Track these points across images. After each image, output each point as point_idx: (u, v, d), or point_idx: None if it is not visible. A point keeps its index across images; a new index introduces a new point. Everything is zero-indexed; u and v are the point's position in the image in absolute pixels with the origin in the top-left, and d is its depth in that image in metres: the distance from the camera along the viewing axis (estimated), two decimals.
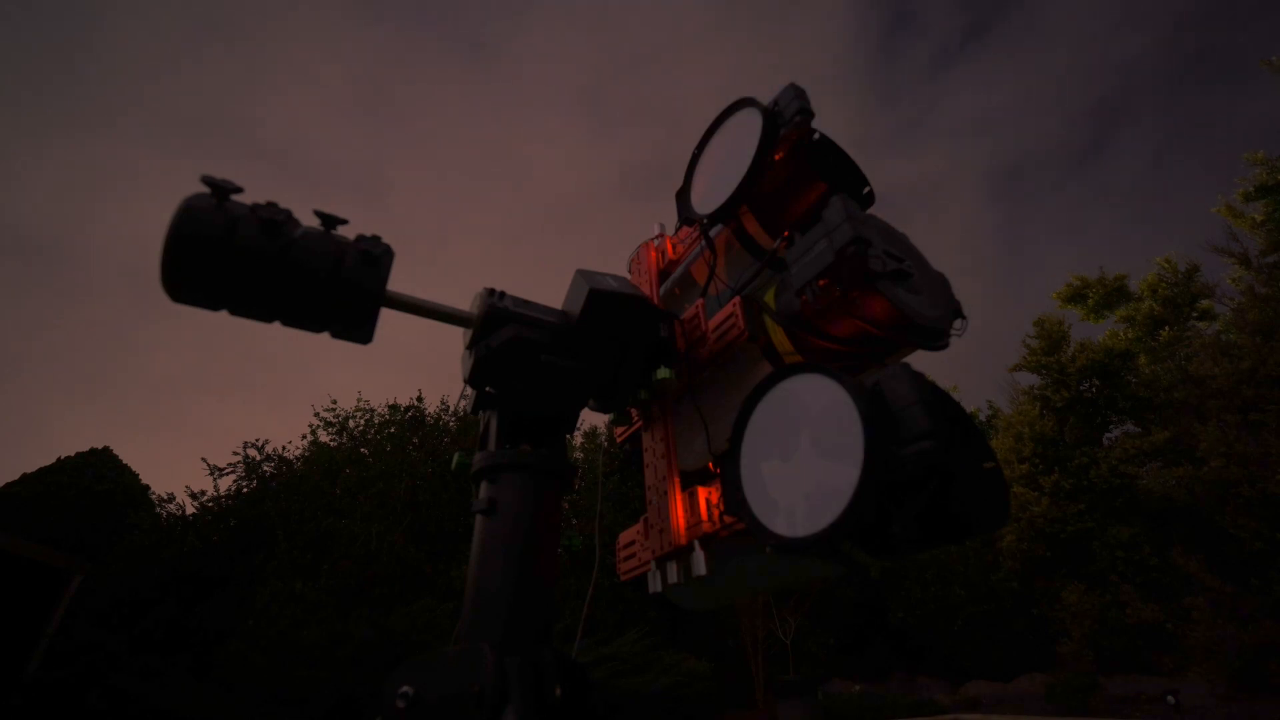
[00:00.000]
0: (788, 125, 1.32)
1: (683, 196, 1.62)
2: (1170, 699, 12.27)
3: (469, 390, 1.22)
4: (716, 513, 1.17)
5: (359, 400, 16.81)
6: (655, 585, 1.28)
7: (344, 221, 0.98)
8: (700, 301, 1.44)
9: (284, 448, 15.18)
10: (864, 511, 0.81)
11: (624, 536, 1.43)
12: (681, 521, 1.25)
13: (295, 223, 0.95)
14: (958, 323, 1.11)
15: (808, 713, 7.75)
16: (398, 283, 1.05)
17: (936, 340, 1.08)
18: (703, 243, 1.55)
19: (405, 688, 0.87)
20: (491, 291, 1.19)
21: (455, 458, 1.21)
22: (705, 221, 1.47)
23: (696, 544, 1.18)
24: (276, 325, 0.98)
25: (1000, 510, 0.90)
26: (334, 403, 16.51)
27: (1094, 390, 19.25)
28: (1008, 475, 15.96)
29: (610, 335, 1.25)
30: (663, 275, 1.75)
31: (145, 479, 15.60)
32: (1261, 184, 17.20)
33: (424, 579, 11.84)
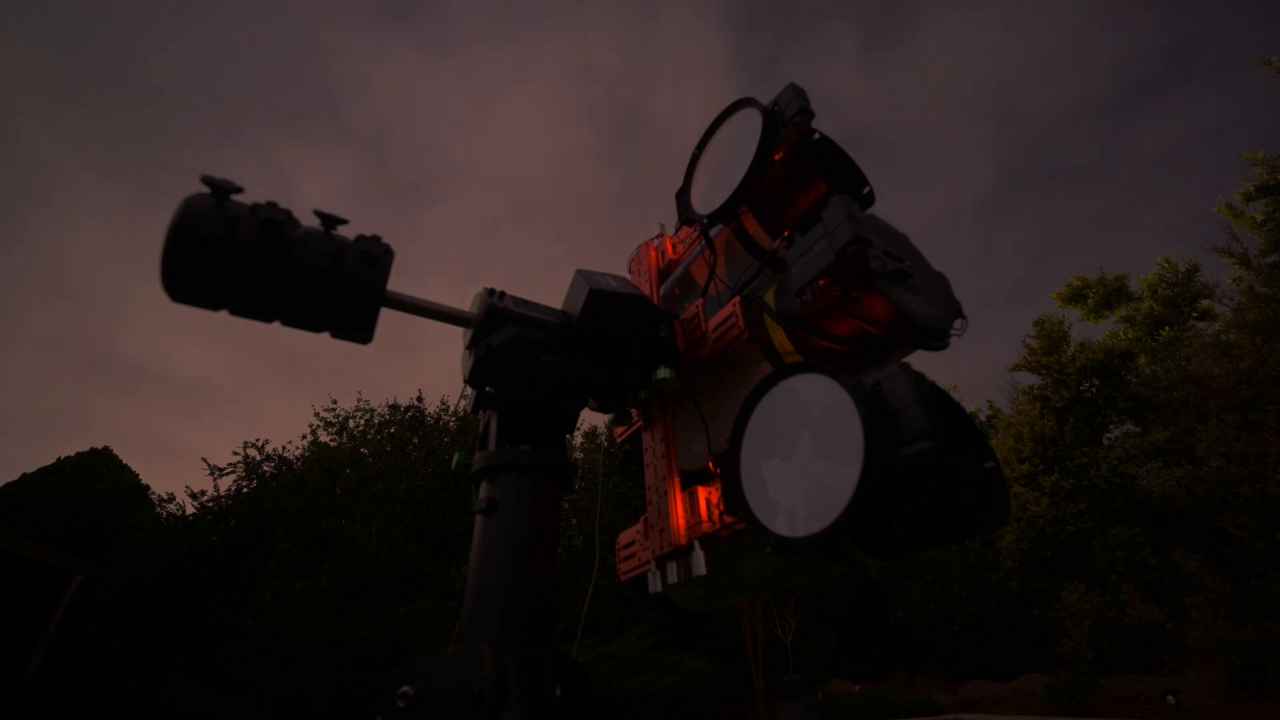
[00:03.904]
0: (788, 125, 1.32)
1: (683, 196, 1.62)
2: (1170, 699, 12.26)
3: (469, 390, 1.22)
4: (716, 513, 1.17)
5: (359, 400, 16.83)
6: (655, 585, 1.28)
7: (344, 221, 0.98)
8: (700, 301, 1.44)
9: (284, 448, 15.20)
10: (864, 511, 0.81)
11: (624, 536, 1.42)
12: (681, 521, 1.25)
13: (295, 222, 0.95)
14: (958, 323, 1.11)
15: (808, 713, 7.74)
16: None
17: (937, 340, 1.08)
18: (703, 243, 1.55)
19: (405, 687, 0.87)
20: (491, 291, 1.19)
21: (455, 458, 1.21)
22: (705, 221, 1.47)
23: (696, 544, 1.18)
24: (276, 325, 0.98)
25: (1000, 510, 0.90)
26: (334, 403, 16.53)
27: (1094, 390, 19.24)
28: (1008, 475, 15.96)
29: (610, 335, 1.25)
30: (663, 275, 1.75)
31: (145, 479, 15.61)
32: (1261, 184, 17.20)
33: (424, 579, 11.84)
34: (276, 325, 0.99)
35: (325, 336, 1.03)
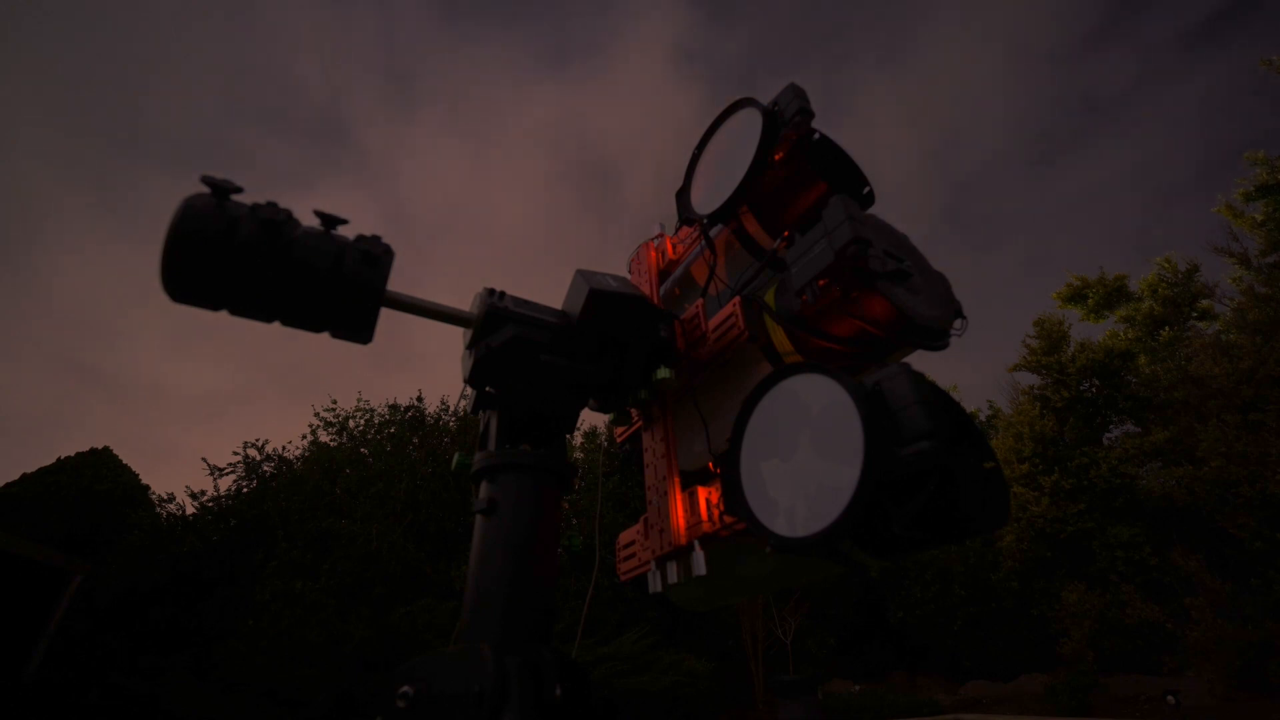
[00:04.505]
0: (788, 125, 1.31)
1: (683, 196, 1.62)
2: (1170, 699, 12.27)
3: (469, 390, 1.22)
4: (716, 513, 1.17)
5: (359, 400, 16.83)
6: (655, 585, 1.28)
7: (344, 221, 0.98)
8: (700, 301, 1.44)
9: (284, 448, 15.19)
10: (864, 511, 0.81)
11: (624, 536, 1.42)
12: (681, 521, 1.25)
13: (295, 222, 0.95)
14: (958, 323, 1.11)
15: (808, 713, 7.74)
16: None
17: (937, 340, 1.08)
18: (703, 243, 1.55)
19: (405, 688, 0.87)
20: (491, 291, 1.19)
21: (455, 458, 1.21)
22: (705, 221, 1.47)
23: (696, 544, 1.18)
24: (276, 325, 0.98)
25: (1000, 510, 0.90)
26: (334, 403, 16.53)
27: (1094, 390, 19.24)
28: (1008, 475, 15.95)
29: (610, 335, 1.25)
30: (663, 275, 1.75)
31: (145, 479, 15.60)
32: (1261, 184, 17.21)
33: (424, 579, 11.84)
34: (276, 328, 0.99)
35: (325, 339, 1.03)
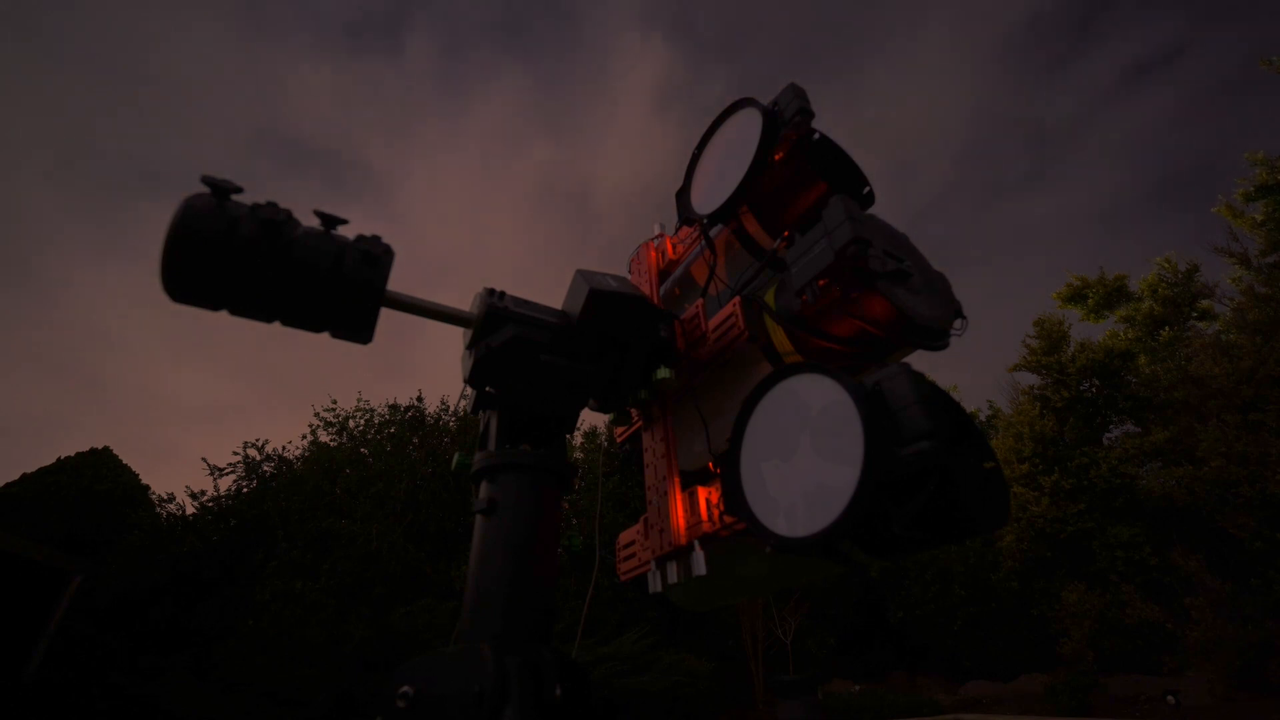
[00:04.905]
0: (788, 125, 1.31)
1: (683, 196, 1.62)
2: (1170, 699, 12.27)
3: (469, 390, 1.22)
4: (716, 512, 1.17)
5: (359, 400, 16.83)
6: (655, 585, 1.28)
7: (344, 221, 0.98)
8: (700, 301, 1.44)
9: (284, 448, 15.19)
10: (863, 512, 0.81)
11: (624, 536, 1.42)
12: (681, 521, 1.25)
13: (295, 222, 0.95)
14: (958, 322, 1.11)
15: (808, 713, 7.74)
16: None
17: (937, 340, 1.08)
18: (703, 243, 1.55)
19: (405, 687, 0.87)
20: (491, 291, 1.18)
21: (455, 458, 1.21)
22: (705, 221, 1.47)
23: (696, 544, 1.18)
24: (276, 325, 0.98)
25: (1000, 510, 0.90)
26: (334, 403, 16.53)
27: (1094, 390, 19.24)
28: (1008, 475, 15.95)
29: (610, 335, 1.25)
30: (663, 275, 1.75)
31: (145, 479, 15.61)
32: (1262, 184, 17.20)
33: (424, 579, 11.84)
34: (276, 328, 0.98)
35: (325, 339, 1.03)
